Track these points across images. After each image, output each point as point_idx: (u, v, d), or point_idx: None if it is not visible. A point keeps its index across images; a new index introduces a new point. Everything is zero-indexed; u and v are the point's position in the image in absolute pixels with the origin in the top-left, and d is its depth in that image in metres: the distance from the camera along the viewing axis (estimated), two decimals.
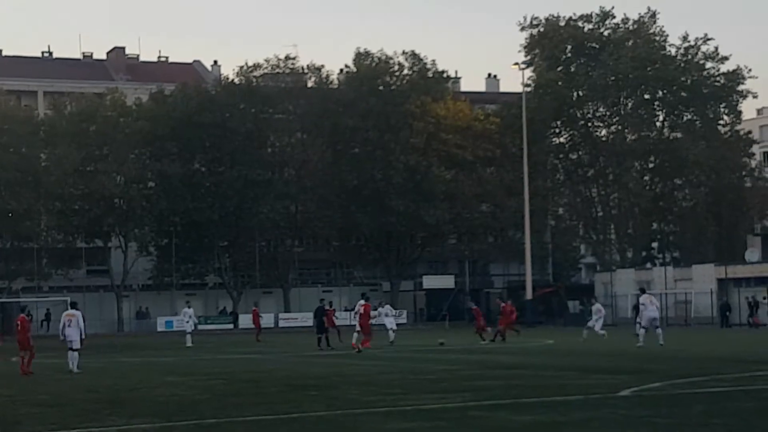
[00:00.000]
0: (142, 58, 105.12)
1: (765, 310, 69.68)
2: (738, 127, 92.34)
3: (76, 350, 28.68)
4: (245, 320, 71.97)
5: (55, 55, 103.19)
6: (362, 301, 41.06)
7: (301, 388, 21.31)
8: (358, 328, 39.51)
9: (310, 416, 15.81)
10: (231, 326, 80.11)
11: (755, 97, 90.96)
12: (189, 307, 51.83)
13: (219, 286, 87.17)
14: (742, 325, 65.82)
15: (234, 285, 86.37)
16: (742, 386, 19.33)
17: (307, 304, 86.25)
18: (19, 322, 29.83)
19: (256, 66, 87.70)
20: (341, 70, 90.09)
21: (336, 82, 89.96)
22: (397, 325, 48.33)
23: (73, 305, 30.21)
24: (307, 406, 17.37)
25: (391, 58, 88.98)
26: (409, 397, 18.59)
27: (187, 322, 49.32)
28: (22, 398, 21.02)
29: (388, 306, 49.61)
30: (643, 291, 38.96)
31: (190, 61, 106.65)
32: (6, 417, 17.28)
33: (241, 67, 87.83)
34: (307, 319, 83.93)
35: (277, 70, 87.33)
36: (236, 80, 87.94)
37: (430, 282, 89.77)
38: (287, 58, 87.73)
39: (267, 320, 72.72)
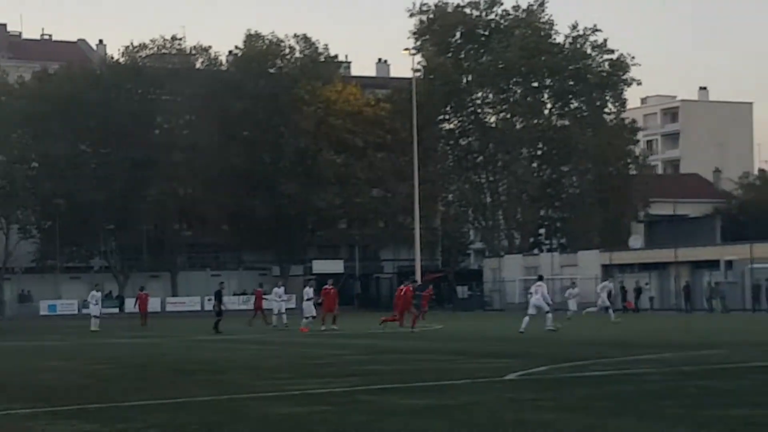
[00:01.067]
0: (24, 36, 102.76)
1: (647, 296, 71.36)
2: (623, 116, 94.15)
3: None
4: (131, 304, 71.04)
5: None
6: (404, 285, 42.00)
7: (189, 373, 21.09)
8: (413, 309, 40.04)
9: (196, 401, 15.63)
10: (116, 310, 78.95)
11: (639, 84, 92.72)
12: (97, 291, 50.29)
13: (105, 270, 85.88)
14: (625, 310, 67.12)
15: (120, 268, 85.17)
16: (623, 369, 19.71)
17: (196, 288, 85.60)
18: None
19: (143, 46, 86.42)
20: (230, 52, 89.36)
21: (225, 63, 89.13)
22: (288, 309, 48.24)
23: None
24: (193, 390, 17.18)
25: (281, 41, 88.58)
26: (296, 381, 18.52)
27: (95, 305, 47.88)
28: None
29: (282, 288, 49.28)
30: (540, 278, 39.60)
31: (74, 39, 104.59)
32: None
33: (127, 47, 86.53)
34: (195, 303, 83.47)
35: (164, 51, 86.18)
36: (122, 60, 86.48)
37: (320, 266, 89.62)
38: (174, 38, 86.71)
39: (154, 304, 71.86)
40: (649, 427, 11.81)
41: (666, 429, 11.61)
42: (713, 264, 69.72)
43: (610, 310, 48.76)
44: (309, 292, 43.08)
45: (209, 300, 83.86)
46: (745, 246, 68.97)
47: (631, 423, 12.11)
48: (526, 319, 36.08)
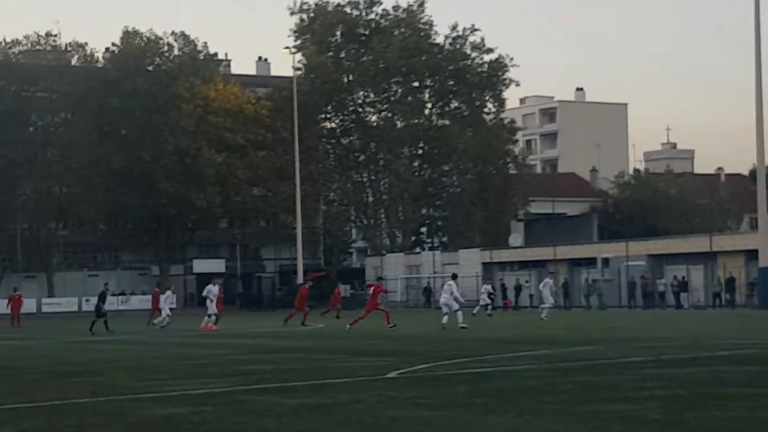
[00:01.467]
0: None
1: (527, 293, 72.38)
2: (502, 116, 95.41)
3: None
4: (3, 305, 69.17)
5: None
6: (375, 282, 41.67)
7: (65, 375, 20.63)
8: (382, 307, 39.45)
9: (72, 403, 15.29)
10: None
11: (518, 85, 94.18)
12: None
13: None
14: (505, 308, 67.99)
15: None
16: (503, 367, 19.92)
17: (73, 289, 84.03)
18: None
19: (16, 42, 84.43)
20: (107, 49, 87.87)
21: (102, 60, 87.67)
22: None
23: None
24: (69, 393, 16.80)
25: (160, 39, 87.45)
26: (176, 382, 18.27)
27: None
28: None
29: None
30: (454, 276, 40.05)
31: None
32: None
33: None
34: (72, 304, 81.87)
35: (38, 47, 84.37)
36: None
37: (201, 266, 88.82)
38: (48, 34, 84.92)
39: (29, 306, 70.27)
40: (528, 422, 11.93)
41: (544, 424, 11.75)
42: (590, 261, 71.08)
43: (489, 308, 50.23)
44: (214, 290, 42.36)
45: (87, 301, 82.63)
46: (621, 244, 70.51)
47: (510, 419, 12.22)
48: (445, 318, 36.49)
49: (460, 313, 36.97)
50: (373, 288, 41.03)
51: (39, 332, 44.01)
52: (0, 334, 42.07)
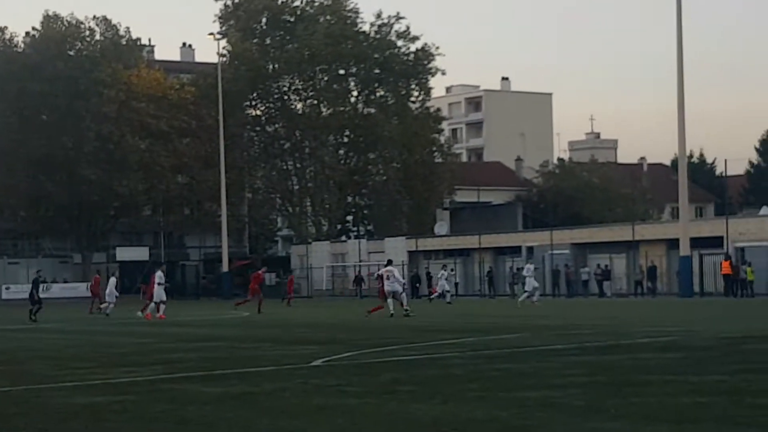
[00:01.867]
0: None
1: (452, 282, 72.65)
2: (428, 104, 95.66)
3: None
4: None
5: None
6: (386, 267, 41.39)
7: None
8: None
9: None
10: None
11: (444, 74, 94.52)
12: None
13: None
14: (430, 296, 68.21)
15: None
16: (428, 354, 19.99)
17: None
18: None
19: None
20: (27, 33, 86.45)
21: (22, 45, 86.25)
22: (88, 297, 47.26)
23: None
24: None
25: (81, 23, 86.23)
26: (98, 371, 18.06)
27: None
28: None
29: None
30: (389, 262, 40.17)
31: None
32: None
33: None
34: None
35: None
36: None
37: (124, 254, 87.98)
38: None
39: None
40: (452, 409, 11.98)
41: (469, 411, 11.80)
42: (515, 250, 71.66)
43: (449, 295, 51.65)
44: (161, 276, 41.54)
45: (7, 289, 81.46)
46: (545, 232, 71.17)
47: (435, 406, 12.26)
48: (390, 301, 36.69)
49: (404, 295, 37.38)
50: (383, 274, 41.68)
51: None
52: None
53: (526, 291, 47.96)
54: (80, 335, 30.64)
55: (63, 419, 12.11)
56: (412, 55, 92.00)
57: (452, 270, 67.23)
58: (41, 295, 43.31)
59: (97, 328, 34.79)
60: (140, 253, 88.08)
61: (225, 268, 79.59)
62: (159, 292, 40.53)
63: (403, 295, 37.42)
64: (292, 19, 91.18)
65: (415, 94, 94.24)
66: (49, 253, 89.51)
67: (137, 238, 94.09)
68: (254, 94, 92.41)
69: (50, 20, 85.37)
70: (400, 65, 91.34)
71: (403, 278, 51.97)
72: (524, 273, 49.72)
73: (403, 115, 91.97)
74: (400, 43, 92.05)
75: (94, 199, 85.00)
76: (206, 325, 34.80)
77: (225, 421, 11.56)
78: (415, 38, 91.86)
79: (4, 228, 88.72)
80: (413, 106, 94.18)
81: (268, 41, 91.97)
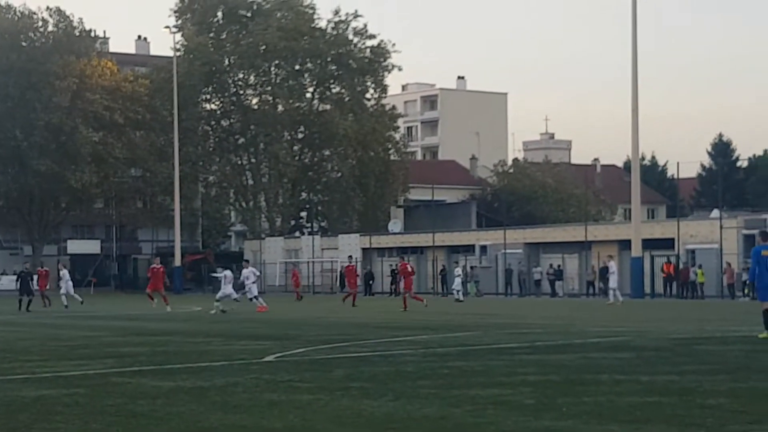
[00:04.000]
0: None
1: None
2: (384, 102, 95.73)
3: None
4: None
5: None
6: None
7: None
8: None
9: None
10: None
11: (400, 70, 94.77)
12: None
13: None
14: (384, 293, 68.32)
15: None
16: (380, 351, 19.98)
17: None
18: None
19: None
20: None
21: None
22: (39, 290, 46.81)
23: None
24: None
25: (34, 13, 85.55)
26: (47, 363, 17.90)
27: None
28: None
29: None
30: (247, 262, 40.76)
31: None
32: None
33: None
34: None
35: None
36: None
37: (75, 247, 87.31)
38: None
39: None
40: (404, 406, 11.99)
41: (420, 408, 11.81)
42: (469, 248, 71.87)
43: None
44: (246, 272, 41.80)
45: None
46: (499, 231, 71.48)
47: (386, 403, 12.26)
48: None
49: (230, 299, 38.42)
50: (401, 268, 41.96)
51: None
52: None
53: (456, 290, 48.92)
54: (30, 328, 30.35)
55: (12, 412, 11.98)
56: (368, 52, 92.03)
57: (474, 267, 68.01)
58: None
59: (46, 321, 34.47)
60: (92, 246, 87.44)
61: (177, 262, 79.17)
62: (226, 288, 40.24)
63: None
64: (248, 14, 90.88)
65: (371, 91, 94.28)
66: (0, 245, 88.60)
67: (89, 230, 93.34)
68: (209, 88, 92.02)
69: (2, 10, 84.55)
70: (356, 62, 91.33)
71: (358, 275, 52.00)
72: (455, 273, 50.45)
73: (359, 111, 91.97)
74: (356, 39, 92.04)
75: (45, 191, 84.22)
76: (157, 319, 34.60)
77: (176, 416, 11.49)
78: (372, 36, 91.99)
79: None
80: (369, 104, 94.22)
81: (223, 36, 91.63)
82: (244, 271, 42.15)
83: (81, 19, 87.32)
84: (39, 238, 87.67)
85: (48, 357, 19.55)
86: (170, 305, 41.10)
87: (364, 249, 77.23)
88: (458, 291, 55.42)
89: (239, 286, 41.94)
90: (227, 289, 39.71)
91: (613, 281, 48.91)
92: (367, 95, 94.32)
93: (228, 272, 40.69)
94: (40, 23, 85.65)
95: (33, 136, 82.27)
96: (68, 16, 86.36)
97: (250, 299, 40.67)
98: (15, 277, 47.77)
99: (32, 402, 12.77)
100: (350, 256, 49.03)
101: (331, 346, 21.34)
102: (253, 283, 41.17)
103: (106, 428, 10.86)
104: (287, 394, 13.24)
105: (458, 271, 57.10)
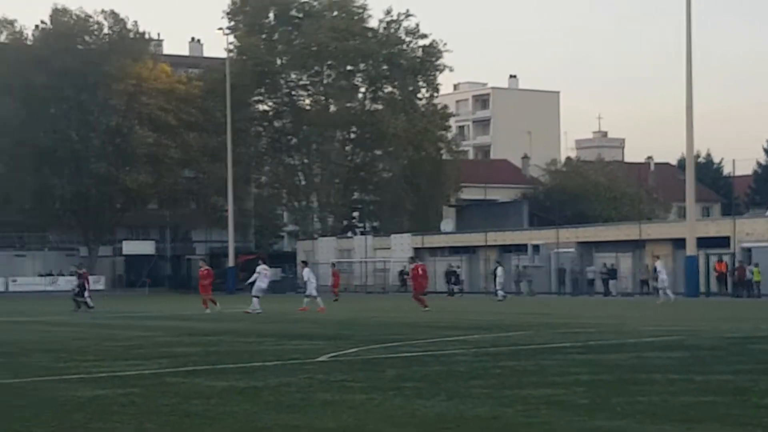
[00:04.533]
0: None
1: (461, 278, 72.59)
2: (436, 101, 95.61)
3: None
4: None
5: None
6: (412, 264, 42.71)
7: None
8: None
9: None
10: None
11: (452, 70, 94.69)
12: None
13: None
14: (439, 292, 68.23)
15: None
16: (432, 351, 19.98)
17: None
18: None
19: None
20: (36, 27, 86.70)
21: (31, 38, 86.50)
22: (96, 291, 47.32)
23: None
24: None
25: (90, 17, 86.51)
26: (103, 363, 18.10)
27: None
28: None
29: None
30: (305, 263, 40.87)
31: None
32: None
33: None
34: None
35: None
36: None
37: (130, 248, 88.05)
38: None
39: None
40: (456, 406, 11.99)
41: (472, 408, 11.81)
42: (521, 248, 71.57)
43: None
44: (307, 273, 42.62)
45: (14, 281, 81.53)
46: (551, 231, 71.10)
47: (438, 403, 12.27)
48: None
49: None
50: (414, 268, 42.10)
51: None
52: None
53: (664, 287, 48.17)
54: (84, 327, 30.68)
55: (68, 411, 12.13)
56: (420, 51, 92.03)
57: (527, 266, 67.84)
58: (47, 288, 43.59)
59: (101, 321, 34.82)
60: (146, 247, 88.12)
61: (231, 262, 79.62)
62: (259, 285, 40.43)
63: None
64: (299, 15, 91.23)
65: (423, 90, 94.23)
66: (56, 246, 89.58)
67: (143, 231, 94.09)
68: (262, 89, 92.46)
69: (59, 14, 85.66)
70: (407, 61, 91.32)
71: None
72: (658, 269, 49.33)
73: (411, 111, 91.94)
74: (408, 39, 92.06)
75: (100, 192, 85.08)
76: (210, 319, 34.83)
77: (230, 416, 11.58)
78: (424, 36, 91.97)
79: (11, 221, 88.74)
80: (420, 103, 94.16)
81: (275, 36, 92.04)
82: (304, 272, 42.43)
83: (135, 21, 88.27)
84: (94, 239, 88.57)
85: (103, 357, 19.75)
86: (219, 305, 41.21)
87: (416, 248, 77.16)
88: (500, 291, 55.21)
89: (302, 286, 42.46)
90: (263, 283, 40.11)
91: (661, 281, 48.45)
92: (419, 95, 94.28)
93: (264, 267, 41.04)
94: (96, 26, 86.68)
95: (90, 139, 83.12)
96: (123, 19, 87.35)
97: (311, 298, 40.94)
98: (73, 277, 48.07)
99: (88, 402, 12.92)
100: (412, 257, 48.73)
101: (383, 345, 21.37)
102: (313, 282, 41.57)
103: (160, 428, 10.96)
104: (340, 393, 13.29)
105: (500, 271, 56.84)
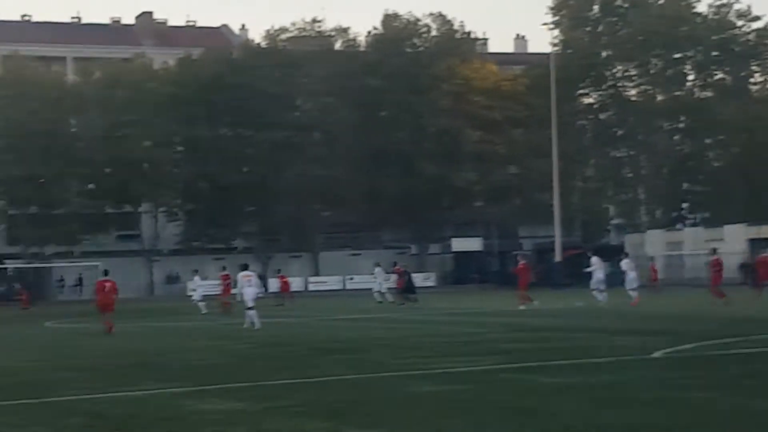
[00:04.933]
0: (170, 23, 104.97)
1: None
2: None
3: (251, 308, 30.19)
4: (273, 284, 71.67)
5: (83, 21, 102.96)
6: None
7: (329, 352, 21.26)
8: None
9: (337, 379, 15.76)
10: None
11: None
12: (197, 276, 50.41)
13: (246, 250, 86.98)
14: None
15: (261, 249, 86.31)
16: None
17: (336, 268, 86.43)
18: (107, 285, 30.74)
19: (283, 29, 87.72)
20: (368, 33, 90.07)
21: (363, 44, 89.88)
22: (426, 287, 48.50)
23: (245, 267, 32.27)
24: (335, 369, 17.33)
25: (418, 20, 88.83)
26: (437, 360, 18.50)
27: (194, 290, 49.28)
28: (56, 362, 21.13)
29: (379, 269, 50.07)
30: (626, 255, 39.75)
31: (217, 25, 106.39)
32: (40, 381, 17.36)
33: (268, 31, 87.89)
34: (335, 282, 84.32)
35: (304, 34, 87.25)
36: (263, 44, 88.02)
37: (458, 245, 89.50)
38: (314, 21, 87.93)
39: (296, 284, 72.80)
40: None
41: None
42: None
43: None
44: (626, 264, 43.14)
45: (351, 279, 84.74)
46: None
47: None
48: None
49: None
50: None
51: (305, 310, 45.45)
52: (270, 312, 43.58)
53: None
54: (417, 324, 31.42)
55: (407, 407, 12.50)
56: (752, 35, 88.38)
57: None
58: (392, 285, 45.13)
59: (432, 318, 35.56)
60: (474, 244, 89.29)
61: (558, 257, 79.36)
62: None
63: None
64: (625, 5, 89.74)
65: (757, 76, 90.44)
66: (388, 244, 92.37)
67: (470, 228, 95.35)
68: (587, 82, 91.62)
69: (390, 19, 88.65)
70: (739, 46, 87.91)
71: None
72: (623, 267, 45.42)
73: (742, 97, 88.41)
74: (740, 23, 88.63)
75: (429, 192, 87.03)
76: (540, 315, 34.82)
77: (567, 413, 11.56)
78: (756, 18, 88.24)
79: (346, 221, 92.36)
80: (754, 89, 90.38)
81: (600, 28, 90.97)
82: (622, 264, 41.81)
83: (462, 22, 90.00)
84: (424, 236, 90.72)
85: (438, 353, 20.21)
86: (536, 301, 41.01)
87: (751, 240, 74.04)
88: None
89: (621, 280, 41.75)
90: (600, 274, 39.92)
91: (629, 281, 42.75)
92: (752, 80, 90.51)
93: (596, 258, 40.74)
94: (424, 29, 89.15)
95: (420, 140, 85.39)
96: (450, 21, 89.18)
97: (634, 290, 40.39)
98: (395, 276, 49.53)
99: (425, 397, 13.27)
100: (714, 249, 46.32)
101: (720, 341, 20.65)
102: (632, 275, 40.99)
103: (500, 424, 11.08)
104: (676, 391, 12.99)
105: None
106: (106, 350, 23.89)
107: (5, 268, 79.80)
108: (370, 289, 51.04)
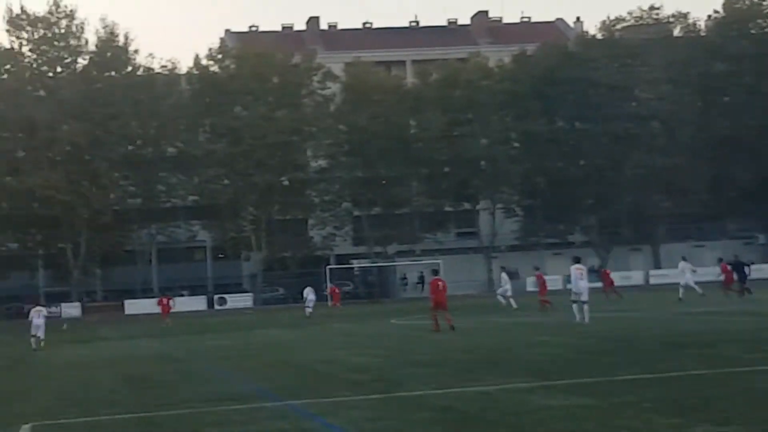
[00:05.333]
0: (505, 21, 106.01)
1: None
2: None
3: (585, 302, 30.06)
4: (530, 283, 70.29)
5: (421, 24, 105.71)
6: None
7: (676, 346, 20.69)
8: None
9: (688, 375, 15.33)
10: (599, 284, 79.06)
11: None
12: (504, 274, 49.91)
13: (584, 245, 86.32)
14: None
15: (600, 243, 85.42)
16: None
17: (678, 260, 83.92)
18: (440, 283, 31.59)
19: (619, 19, 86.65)
20: (709, 17, 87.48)
21: (703, 29, 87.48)
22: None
23: (578, 260, 31.47)
24: (684, 364, 16.85)
25: (763, 1, 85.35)
26: None
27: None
28: (404, 358, 21.77)
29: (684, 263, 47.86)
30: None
31: (552, 19, 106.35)
32: (388, 376, 17.95)
33: (603, 22, 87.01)
34: (677, 275, 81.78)
35: (641, 22, 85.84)
36: (598, 35, 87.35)
37: None
38: (651, 8, 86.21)
39: (637, 278, 71.80)
40: None
41: None
42: None
43: None
44: None
45: (693, 272, 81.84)
46: None
47: None
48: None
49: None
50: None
51: (645, 304, 44.58)
52: (611, 307, 43.02)
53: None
54: (763, 318, 30.08)
55: (761, 404, 12.00)
56: None
57: None
58: None
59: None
60: None
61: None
62: None
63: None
64: None
65: None
66: (733, 235, 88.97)
67: None
68: None
69: (732, 1, 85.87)
70: None
71: None
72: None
73: None
74: None
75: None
76: None
77: None
78: None
79: (688, 212, 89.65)
80: None
81: None
82: None
83: None
84: None
85: None
86: None
87: None
88: None
89: None
90: None
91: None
92: None
93: None
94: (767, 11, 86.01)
95: None
96: None
97: None
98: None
99: None
100: None
101: None
102: None
103: None
104: None
105: None
106: (450, 346, 24.37)
107: (352, 268, 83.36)
108: (708, 282, 49.42)
